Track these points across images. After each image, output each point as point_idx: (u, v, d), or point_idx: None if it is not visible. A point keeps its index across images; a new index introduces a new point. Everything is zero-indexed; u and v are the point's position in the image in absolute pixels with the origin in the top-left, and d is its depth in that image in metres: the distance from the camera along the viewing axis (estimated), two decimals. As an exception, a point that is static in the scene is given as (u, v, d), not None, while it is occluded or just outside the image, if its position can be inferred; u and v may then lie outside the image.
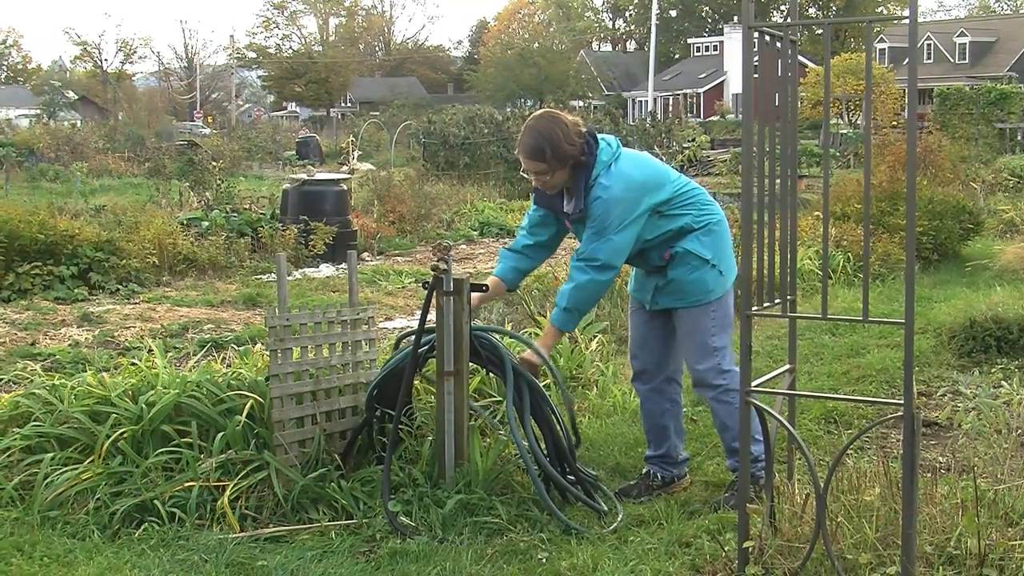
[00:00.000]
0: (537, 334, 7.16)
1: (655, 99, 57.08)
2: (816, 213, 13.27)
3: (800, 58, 6.98)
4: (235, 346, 8.24)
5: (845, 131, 37.09)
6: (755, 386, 3.86)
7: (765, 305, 3.90)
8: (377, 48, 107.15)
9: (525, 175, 5.02)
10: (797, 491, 4.10)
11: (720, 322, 5.06)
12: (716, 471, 5.53)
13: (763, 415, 3.96)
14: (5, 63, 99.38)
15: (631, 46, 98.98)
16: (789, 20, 4.20)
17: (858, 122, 45.37)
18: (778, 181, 3.91)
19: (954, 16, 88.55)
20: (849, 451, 4.62)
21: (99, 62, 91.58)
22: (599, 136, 4.95)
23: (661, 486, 5.29)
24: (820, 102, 42.43)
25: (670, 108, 65.26)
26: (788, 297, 4.02)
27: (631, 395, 6.54)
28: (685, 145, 29.08)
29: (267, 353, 5.57)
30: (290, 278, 12.94)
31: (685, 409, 6.54)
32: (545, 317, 8.06)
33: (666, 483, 5.32)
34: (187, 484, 5.00)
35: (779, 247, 3.95)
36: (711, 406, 5.22)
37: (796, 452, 4.43)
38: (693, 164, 29.80)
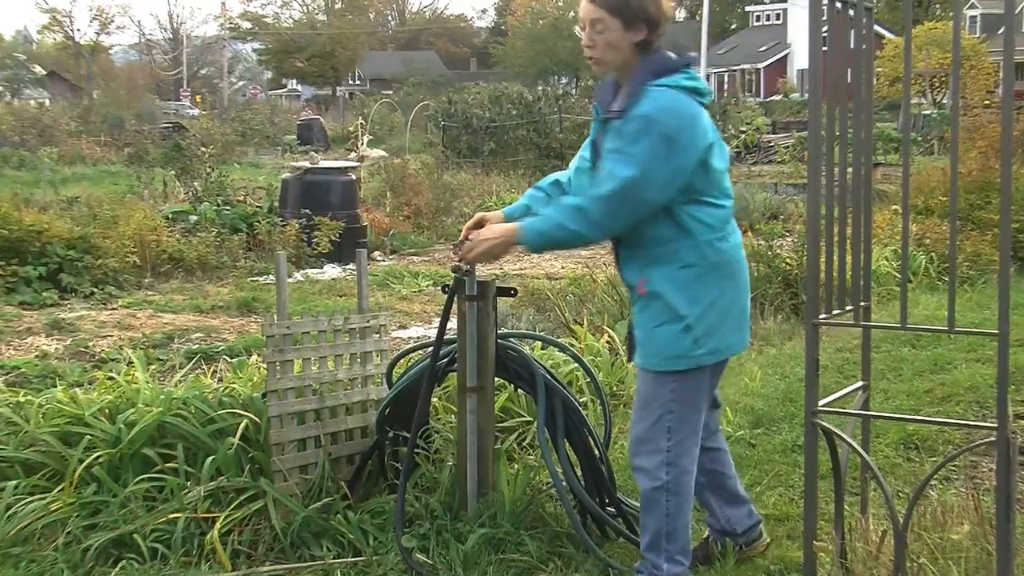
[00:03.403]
0: (572, 343, 7.17)
1: (708, 76, 56.96)
2: (894, 207, 13.23)
3: (876, 28, 6.94)
4: (227, 358, 8.28)
5: (928, 112, 36.94)
6: (823, 405, 3.85)
7: (835, 313, 3.89)
8: (390, 18, 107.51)
9: (579, 33, 4.45)
10: (872, 527, 4.08)
11: (682, 402, 4.38)
12: (778, 503, 5.51)
13: (832, 439, 3.94)
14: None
15: (680, 15, 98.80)
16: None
17: (944, 101, 45.16)
18: (850, 170, 3.90)
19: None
20: (933, 481, 4.60)
21: (71, 32, 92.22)
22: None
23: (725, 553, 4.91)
24: (899, 79, 42.26)
25: (726, 86, 65.21)
26: (861, 303, 4.00)
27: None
28: (742, 129, 29.04)
29: (264, 366, 5.59)
30: (291, 280, 12.95)
31: (742, 432, 6.54)
32: (582, 325, 8.08)
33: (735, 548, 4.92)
34: (172, 516, 5.01)
35: (851, 246, 3.93)
36: (641, 498, 4.51)
37: (871, 482, 4.41)
38: (751, 150, 29.74)
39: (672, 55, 4.36)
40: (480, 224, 4.68)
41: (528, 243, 4.37)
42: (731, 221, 4.42)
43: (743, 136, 27.85)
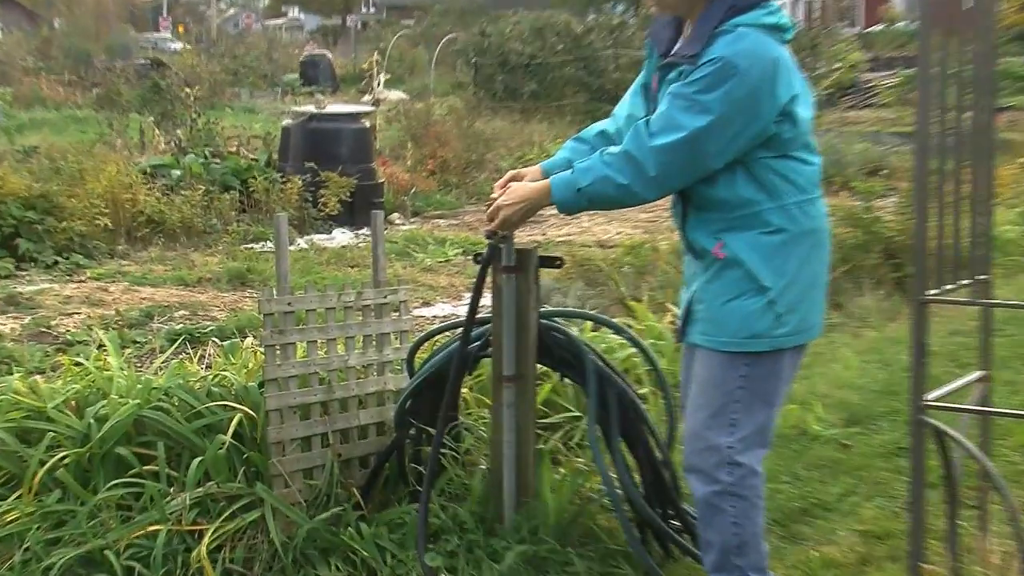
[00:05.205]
0: (630, 324, 7.17)
1: (795, 1, 56.60)
2: (1021, 159, 13.14)
3: (1000, -57, 6.87)
4: (217, 340, 8.32)
5: (1064, 45, 36.57)
6: (932, 400, 3.83)
7: (947, 288, 3.87)
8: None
9: None
10: (994, 547, 4.07)
11: (752, 390, 4.34)
12: (878, 516, 5.50)
13: (944, 441, 3.93)
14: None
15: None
16: None
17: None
18: (968, 115, 3.88)
19: None
20: (1065, 492, 4.58)
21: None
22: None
23: None
24: (1028, 5, 41.87)
25: (815, 15, 64.76)
26: (980, 277, 3.98)
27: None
28: (835, 66, 28.87)
29: (261, 350, 5.61)
30: (292, 248, 13.03)
31: (834, 431, 6.53)
32: (641, 302, 8.08)
33: None
34: (151, 528, 5.03)
35: (968, 207, 3.91)
36: (698, 506, 4.49)
37: (991, 493, 4.39)
38: (847, 92, 29.55)
39: None
40: (515, 181, 4.70)
41: (564, 202, 4.36)
42: (819, 185, 4.38)
43: (836, 75, 27.65)
